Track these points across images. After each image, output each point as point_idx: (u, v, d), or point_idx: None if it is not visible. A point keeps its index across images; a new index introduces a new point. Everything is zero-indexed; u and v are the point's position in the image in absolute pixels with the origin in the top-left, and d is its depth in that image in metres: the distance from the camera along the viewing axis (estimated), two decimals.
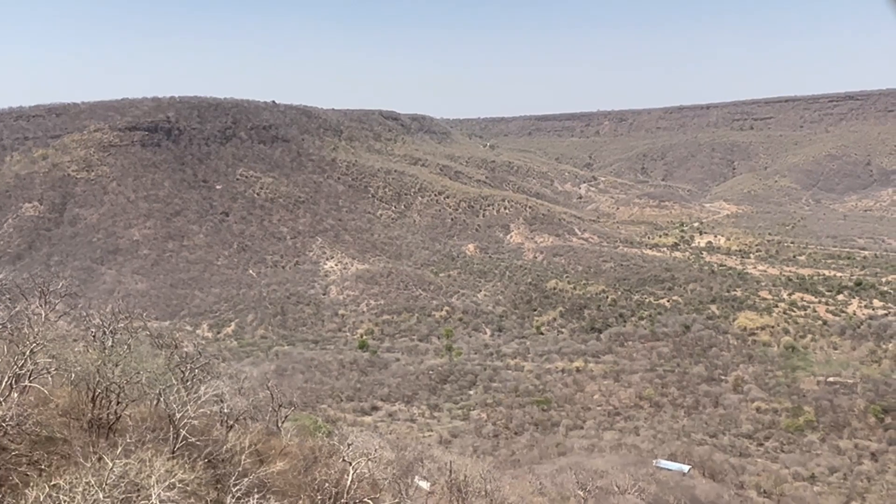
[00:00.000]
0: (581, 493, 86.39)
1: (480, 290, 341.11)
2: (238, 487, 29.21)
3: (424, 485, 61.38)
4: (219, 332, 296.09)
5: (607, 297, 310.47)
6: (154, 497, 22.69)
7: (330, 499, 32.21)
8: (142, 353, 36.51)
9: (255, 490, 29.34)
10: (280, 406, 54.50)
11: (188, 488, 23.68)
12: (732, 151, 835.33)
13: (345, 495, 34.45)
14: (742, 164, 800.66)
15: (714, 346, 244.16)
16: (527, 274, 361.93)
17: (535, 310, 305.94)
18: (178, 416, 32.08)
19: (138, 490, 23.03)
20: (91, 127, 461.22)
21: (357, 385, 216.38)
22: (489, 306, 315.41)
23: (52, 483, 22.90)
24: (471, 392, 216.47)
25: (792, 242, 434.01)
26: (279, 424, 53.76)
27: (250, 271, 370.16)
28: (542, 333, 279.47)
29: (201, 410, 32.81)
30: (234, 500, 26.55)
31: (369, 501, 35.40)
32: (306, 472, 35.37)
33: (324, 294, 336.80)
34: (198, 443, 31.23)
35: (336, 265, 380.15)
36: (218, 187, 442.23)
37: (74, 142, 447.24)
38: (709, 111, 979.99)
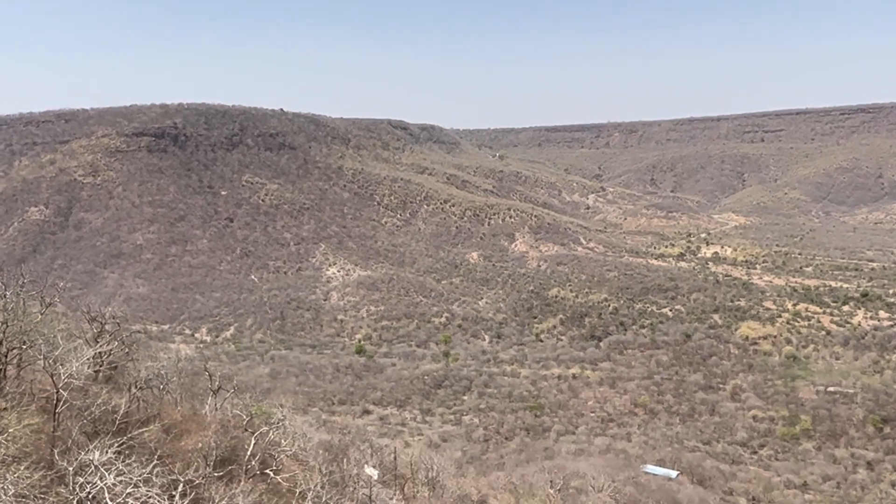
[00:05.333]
0: (551, 492, 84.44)
1: (482, 298, 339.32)
2: (112, 446, 27.84)
3: (373, 473, 59.75)
4: (217, 336, 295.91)
5: (609, 306, 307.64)
6: None
7: (211, 464, 30.87)
8: (34, 315, 35.37)
9: (129, 451, 28.02)
10: (218, 388, 53.20)
11: (23, 441, 22.64)
12: (742, 163, 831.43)
13: (244, 464, 33.06)
14: (752, 176, 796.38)
15: (714, 355, 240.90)
16: (529, 282, 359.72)
17: (535, 317, 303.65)
18: (62, 377, 30.78)
19: None
20: (99, 132, 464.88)
21: (350, 389, 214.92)
22: (489, 313, 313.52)
23: None
24: (465, 397, 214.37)
25: (799, 254, 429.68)
26: (217, 405, 52.45)
27: (252, 276, 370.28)
28: (541, 340, 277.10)
29: (84, 372, 31.56)
30: (92, 457, 25.20)
31: (269, 472, 34.06)
32: (202, 440, 33.99)
33: (324, 300, 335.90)
34: (76, 403, 30.11)
35: (338, 271, 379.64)
36: (223, 193, 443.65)
37: (82, 147, 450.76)
38: (719, 123, 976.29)
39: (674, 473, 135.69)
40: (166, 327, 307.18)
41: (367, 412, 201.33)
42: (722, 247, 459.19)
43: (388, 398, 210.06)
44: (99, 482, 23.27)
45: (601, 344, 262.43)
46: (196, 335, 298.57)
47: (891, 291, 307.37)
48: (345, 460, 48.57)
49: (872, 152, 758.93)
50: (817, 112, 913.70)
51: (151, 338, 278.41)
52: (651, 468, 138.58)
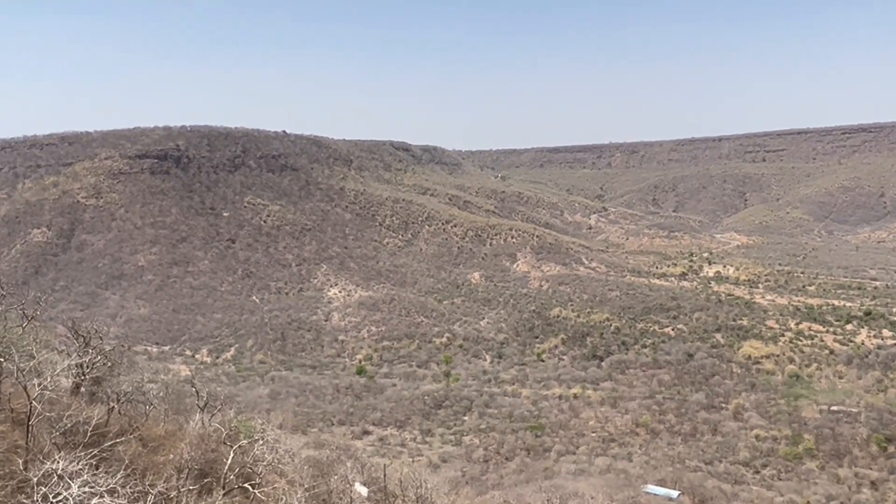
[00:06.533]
0: None
1: (483, 318, 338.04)
2: (81, 457, 27.42)
3: (363, 490, 59.05)
4: (218, 357, 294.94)
5: (611, 326, 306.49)
6: None
7: (185, 476, 30.40)
8: (15, 328, 35.09)
9: (100, 463, 27.62)
10: (206, 404, 52.78)
11: None
12: (744, 183, 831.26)
13: (222, 478, 32.57)
14: (754, 196, 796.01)
15: (717, 375, 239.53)
16: (531, 302, 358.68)
17: (536, 337, 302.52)
18: (35, 388, 30.44)
19: None
20: (102, 155, 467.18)
21: (350, 409, 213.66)
22: (491, 333, 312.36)
23: None
24: (465, 418, 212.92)
25: (802, 273, 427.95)
26: (205, 422, 51.98)
27: (254, 297, 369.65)
28: (542, 360, 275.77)
29: (62, 384, 31.24)
30: (56, 467, 24.83)
31: (247, 486, 33.55)
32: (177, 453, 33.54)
33: (325, 320, 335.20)
34: (49, 415, 29.75)
35: (340, 292, 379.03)
36: (225, 214, 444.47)
37: (85, 169, 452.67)
38: (721, 143, 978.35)
39: (675, 493, 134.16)
40: (167, 348, 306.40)
41: (366, 433, 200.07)
42: (724, 266, 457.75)
43: (387, 418, 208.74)
44: (63, 492, 22.89)
45: (603, 364, 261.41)
46: (197, 356, 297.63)
47: (894, 310, 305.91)
48: (333, 477, 47.92)
49: (874, 171, 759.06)
50: (818, 131, 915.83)
51: (152, 359, 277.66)
52: (652, 488, 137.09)
